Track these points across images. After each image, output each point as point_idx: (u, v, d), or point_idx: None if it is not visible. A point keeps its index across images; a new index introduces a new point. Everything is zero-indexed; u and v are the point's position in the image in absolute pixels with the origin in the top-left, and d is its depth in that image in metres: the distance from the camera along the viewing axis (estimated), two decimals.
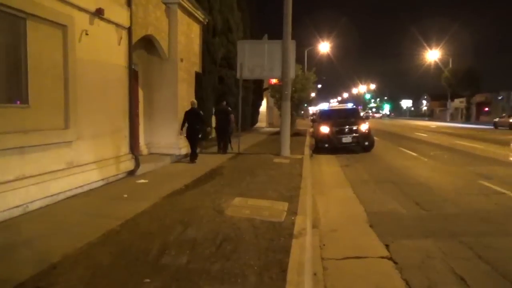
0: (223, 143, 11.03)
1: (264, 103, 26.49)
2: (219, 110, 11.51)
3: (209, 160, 9.49)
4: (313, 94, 32.68)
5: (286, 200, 5.26)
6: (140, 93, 9.36)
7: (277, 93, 18.35)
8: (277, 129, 20.73)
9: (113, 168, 6.59)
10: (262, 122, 26.81)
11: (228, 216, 4.46)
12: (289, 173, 7.56)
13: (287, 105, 10.36)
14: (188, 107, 9.97)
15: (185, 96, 10.13)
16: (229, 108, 11.51)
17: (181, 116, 9.80)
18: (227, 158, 9.89)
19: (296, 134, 18.13)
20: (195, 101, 9.64)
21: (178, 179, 6.91)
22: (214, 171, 7.88)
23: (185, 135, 9.25)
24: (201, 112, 9.28)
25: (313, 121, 17.43)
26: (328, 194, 6.70)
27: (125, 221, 4.26)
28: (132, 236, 3.76)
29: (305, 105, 35.54)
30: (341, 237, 4.43)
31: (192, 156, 9.21)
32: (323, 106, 34.83)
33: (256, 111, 23.14)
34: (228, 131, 11.18)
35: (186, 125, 9.13)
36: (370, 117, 53.33)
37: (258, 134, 20.31)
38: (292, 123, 16.70)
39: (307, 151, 11.94)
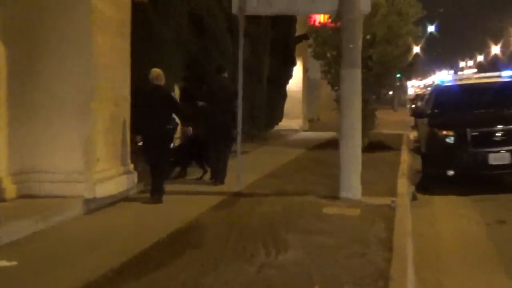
0: (221, 164, 12.38)
1: (297, 72, 26.74)
2: (215, 90, 12.32)
3: (173, 205, 9.91)
4: (416, 50, 32.07)
5: None
6: (1, 58, 9.56)
7: (328, 48, 18.54)
8: (329, 135, 21.36)
9: None
10: (292, 118, 27.25)
11: None
12: (360, 240, 7.78)
13: (354, 77, 10.60)
14: (120, 86, 10.47)
15: (109, 60, 10.39)
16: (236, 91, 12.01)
17: (100, 108, 10.02)
18: (212, 204, 10.26)
19: (377, 145, 18.41)
20: (159, 71, 10.65)
21: (92, 256, 7.09)
22: (180, 235, 8.15)
23: (140, 144, 10.64)
24: (173, 94, 10.58)
25: (417, 114, 17.80)
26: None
27: None
28: None
29: (397, 76, 34.70)
30: None
31: (155, 190, 10.49)
32: (441, 77, 34.44)
33: (278, 93, 23.44)
34: (233, 136, 12.36)
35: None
36: None
37: (284, 146, 20.51)
38: (367, 119, 16.79)
39: (403, 186, 12.09)
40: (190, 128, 11.83)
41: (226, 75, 12.90)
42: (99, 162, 10.08)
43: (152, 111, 10.37)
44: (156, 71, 10.68)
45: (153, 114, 10.35)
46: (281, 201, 10.43)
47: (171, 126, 10.67)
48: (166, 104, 10.44)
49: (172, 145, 11.21)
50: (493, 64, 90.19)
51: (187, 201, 10.67)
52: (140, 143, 10.97)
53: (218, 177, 12.35)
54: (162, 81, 10.63)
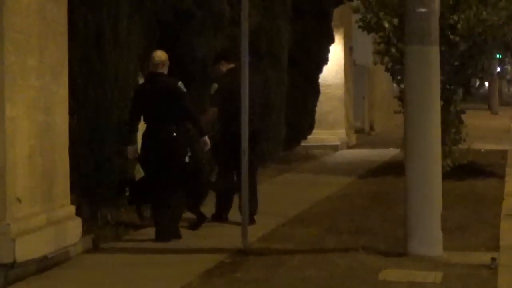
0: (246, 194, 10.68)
1: (335, 54, 23.83)
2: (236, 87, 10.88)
3: (137, 272, 8.35)
4: None
5: None
6: None
7: (387, 14, 16.03)
8: (390, 153, 20.18)
9: None
10: (330, 128, 24.56)
11: None
12: None
13: (428, 60, 9.29)
14: (53, 81, 9.03)
15: (36, 32, 8.67)
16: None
17: (22, 115, 8.52)
18: (201, 270, 8.64)
19: (466, 169, 16.43)
20: (163, 55, 10.24)
21: None
22: None
23: (138, 159, 10.23)
24: (182, 85, 10.09)
25: None
26: None
27: None
28: None
29: (497, 57, 31.35)
30: None
31: (160, 232, 9.76)
32: None
33: (307, 87, 20.58)
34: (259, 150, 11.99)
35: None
36: None
37: (317, 173, 18.36)
38: (450, 128, 15.39)
39: (509, 234, 10.65)
40: (207, 140, 10.24)
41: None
42: (21, 205, 8.17)
43: (153, 111, 9.87)
44: (159, 54, 10.21)
45: (156, 116, 9.84)
46: (314, 262, 8.75)
47: (180, 128, 9.84)
48: (171, 98, 9.85)
49: (187, 159, 10.13)
50: None
51: (162, 264, 8.76)
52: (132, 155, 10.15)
53: (224, 215, 11.10)
54: (165, 69, 10.16)
